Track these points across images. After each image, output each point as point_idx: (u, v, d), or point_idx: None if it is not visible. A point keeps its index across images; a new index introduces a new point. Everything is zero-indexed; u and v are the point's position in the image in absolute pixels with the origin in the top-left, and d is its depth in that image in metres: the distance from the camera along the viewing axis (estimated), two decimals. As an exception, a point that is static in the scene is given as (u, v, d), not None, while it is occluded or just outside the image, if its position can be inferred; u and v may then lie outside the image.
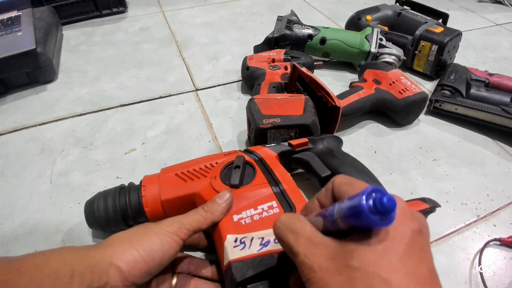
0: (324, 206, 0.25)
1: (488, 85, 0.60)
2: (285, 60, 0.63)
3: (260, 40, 0.72)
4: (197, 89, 0.66)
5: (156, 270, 0.29)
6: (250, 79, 0.63)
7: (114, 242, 0.29)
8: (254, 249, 0.30)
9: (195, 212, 0.32)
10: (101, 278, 0.26)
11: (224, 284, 0.31)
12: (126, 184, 0.40)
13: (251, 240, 0.31)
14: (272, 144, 0.43)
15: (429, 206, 0.34)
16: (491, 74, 0.61)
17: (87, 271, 0.26)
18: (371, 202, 0.18)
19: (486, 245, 0.40)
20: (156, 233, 0.29)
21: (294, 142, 0.43)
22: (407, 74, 0.69)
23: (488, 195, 0.47)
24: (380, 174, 0.49)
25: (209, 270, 0.35)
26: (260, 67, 0.62)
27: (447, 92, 0.59)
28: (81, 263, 0.26)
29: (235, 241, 0.31)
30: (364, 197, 0.19)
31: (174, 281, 0.33)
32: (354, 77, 0.69)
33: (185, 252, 0.37)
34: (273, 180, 0.37)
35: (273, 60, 0.63)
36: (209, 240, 0.38)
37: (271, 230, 0.31)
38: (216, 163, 0.40)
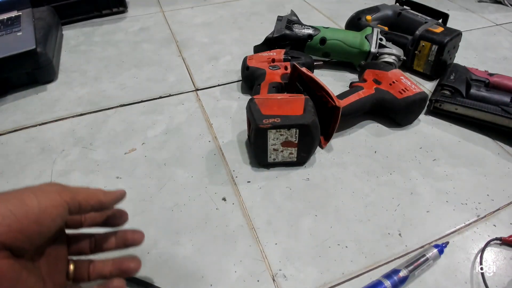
0: None
1: (488, 85, 0.60)
2: (285, 60, 0.63)
3: (260, 40, 0.72)
4: (197, 89, 0.66)
5: (34, 232, 0.24)
6: (250, 79, 0.63)
7: None
8: None
9: (90, 188, 0.29)
10: None
11: None
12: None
13: None
14: None
15: None
16: (491, 74, 0.61)
17: None
18: None
19: (487, 244, 0.40)
20: (32, 190, 0.25)
21: None
22: (407, 74, 0.69)
23: (488, 195, 0.47)
24: (380, 174, 0.49)
25: (112, 242, 0.32)
26: (260, 67, 0.62)
27: (447, 92, 0.59)
28: None
29: None
30: None
31: (71, 267, 0.30)
32: (354, 77, 0.69)
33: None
34: None
35: (273, 60, 0.63)
36: None
37: None
38: None
